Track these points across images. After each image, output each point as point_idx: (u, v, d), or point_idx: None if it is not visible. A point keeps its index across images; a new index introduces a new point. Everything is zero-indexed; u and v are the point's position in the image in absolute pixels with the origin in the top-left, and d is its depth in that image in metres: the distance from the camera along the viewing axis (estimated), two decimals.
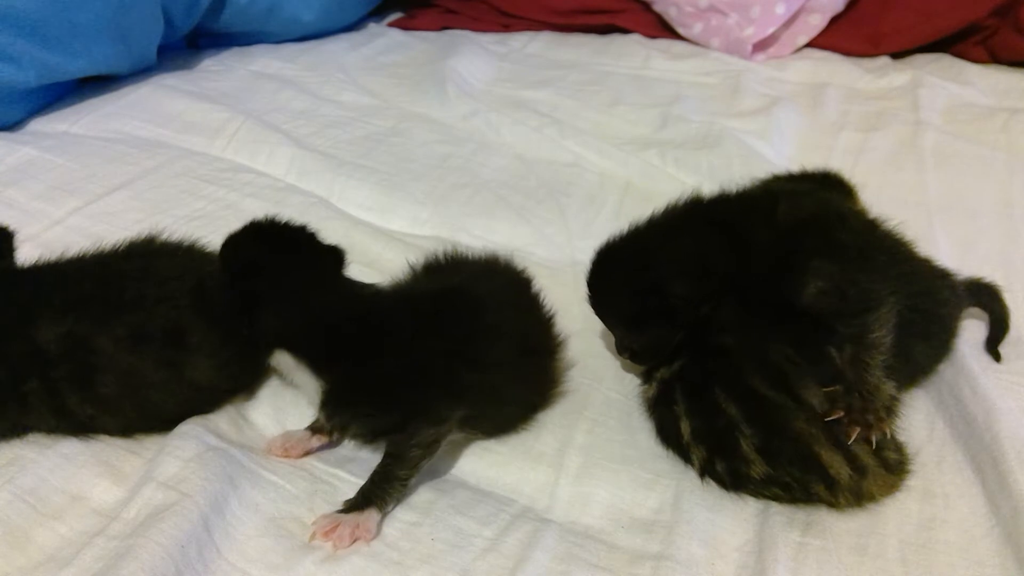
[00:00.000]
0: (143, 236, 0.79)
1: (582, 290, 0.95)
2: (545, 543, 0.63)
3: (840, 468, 0.64)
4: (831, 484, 0.65)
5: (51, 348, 0.68)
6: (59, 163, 1.15)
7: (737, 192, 0.82)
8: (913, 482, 0.69)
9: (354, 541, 0.62)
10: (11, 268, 0.76)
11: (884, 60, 1.64)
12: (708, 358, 0.71)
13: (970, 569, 0.62)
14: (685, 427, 0.69)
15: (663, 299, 0.73)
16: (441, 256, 0.81)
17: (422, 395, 0.66)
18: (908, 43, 1.65)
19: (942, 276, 0.81)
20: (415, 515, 0.65)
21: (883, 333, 0.68)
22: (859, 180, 1.18)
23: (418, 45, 1.76)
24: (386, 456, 0.66)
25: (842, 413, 0.65)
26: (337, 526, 0.62)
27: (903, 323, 0.70)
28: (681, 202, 0.80)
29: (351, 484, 0.68)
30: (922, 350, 0.76)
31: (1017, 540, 0.63)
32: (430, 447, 0.66)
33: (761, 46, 1.65)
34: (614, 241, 0.79)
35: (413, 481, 0.66)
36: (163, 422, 0.72)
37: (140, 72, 1.46)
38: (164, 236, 0.80)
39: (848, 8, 1.68)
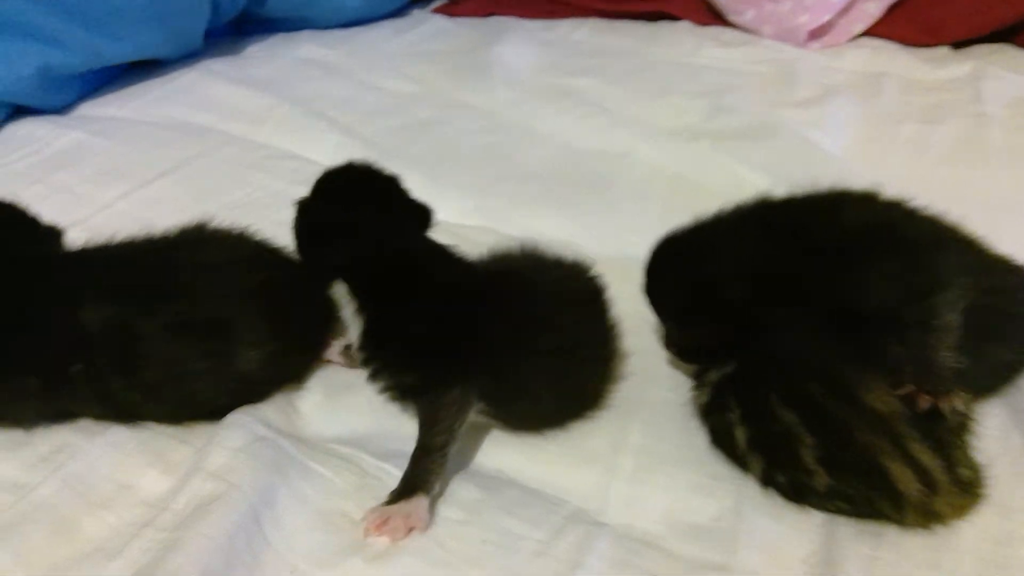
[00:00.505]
0: (193, 223, 0.78)
1: (632, 284, 0.93)
2: (599, 548, 0.61)
3: (909, 483, 0.61)
4: (898, 500, 0.61)
5: (96, 332, 0.68)
6: (107, 147, 1.16)
7: (804, 194, 0.79)
8: (992, 496, 0.65)
9: (409, 531, 0.61)
10: (60, 251, 0.75)
11: (943, 50, 1.57)
12: (762, 362, 0.68)
13: None
14: (740, 435, 0.67)
15: (715, 297, 0.72)
16: (523, 248, 0.81)
17: (443, 359, 0.67)
18: (968, 32, 1.58)
19: (1021, 274, 0.77)
20: (463, 513, 0.64)
21: (951, 318, 0.66)
22: (920, 175, 1.15)
23: (462, 32, 1.74)
24: (420, 426, 0.66)
25: (911, 388, 0.63)
26: (388, 519, 0.61)
27: (976, 323, 0.67)
28: (749, 201, 0.78)
29: (398, 478, 0.66)
30: (997, 353, 0.72)
31: None
32: (458, 413, 0.65)
33: (815, 34, 1.60)
34: (676, 233, 0.78)
35: (452, 452, 0.65)
36: (210, 411, 0.71)
37: (186, 57, 1.46)
38: (214, 223, 0.79)
39: None
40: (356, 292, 0.69)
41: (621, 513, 0.65)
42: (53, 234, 0.78)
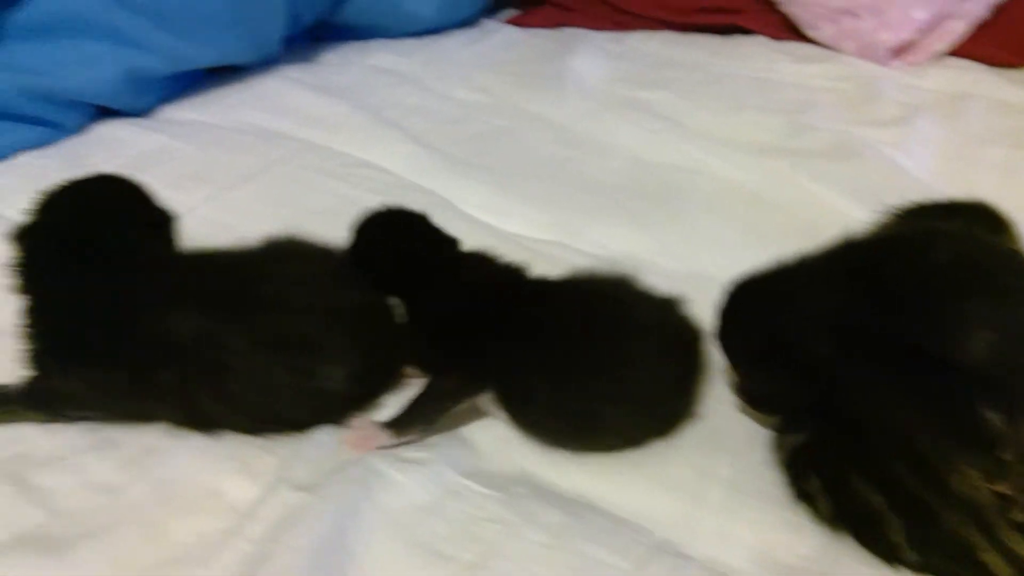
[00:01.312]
0: (282, 236, 0.79)
1: (705, 304, 0.92)
2: None
3: (1003, 569, 0.58)
4: None
5: (186, 342, 0.69)
6: (189, 151, 1.18)
7: (886, 233, 0.76)
8: None
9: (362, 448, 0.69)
10: (157, 254, 0.77)
11: None
12: (842, 431, 0.64)
13: None
14: (823, 506, 0.64)
15: (792, 348, 0.67)
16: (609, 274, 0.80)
17: (447, 350, 0.73)
18: None
19: None
20: (547, 537, 0.63)
21: None
22: (1011, 202, 1.11)
23: (533, 43, 1.74)
24: (421, 392, 0.72)
25: (1009, 490, 0.58)
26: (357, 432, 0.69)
27: None
28: (835, 242, 0.73)
29: (480, 495, 0.66)
30: None
31: None
32: (449, 398, 0.71)
33: (898, 52, 1.56)
34: (755, 276, 0.74)
35: (432, 427, 0.71)
36: (292, 426, 0.72)
37: (264, 64, 1.49)
38: (301, 236, 0.79)
39: (994, 15, 1.57)
40: (403, 302, 0.77)
41: (708, 546, 0.64)
42: (166, 218, 0.79)
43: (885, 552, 0.61)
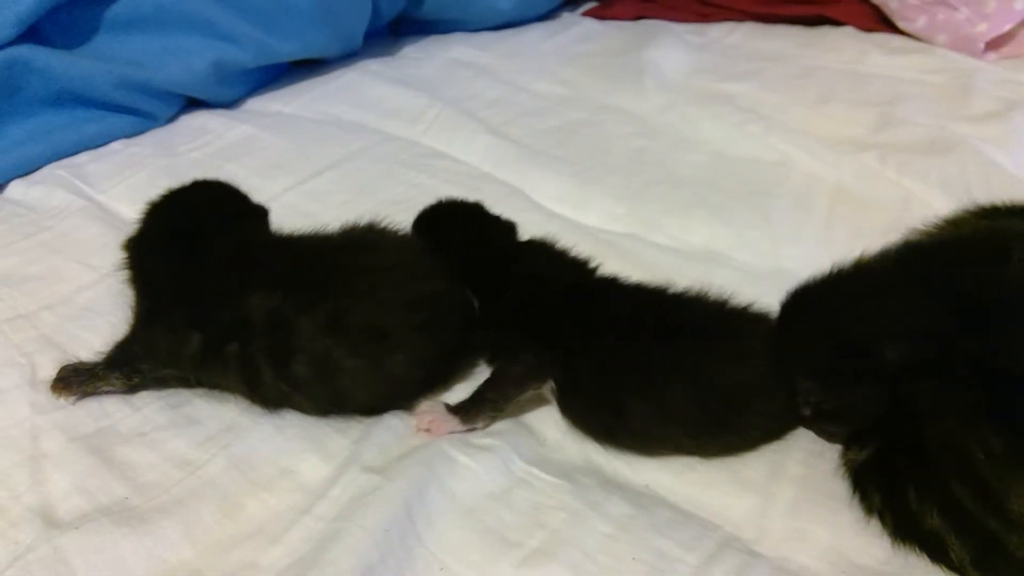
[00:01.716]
0: (363, 224, 0.79)
1: None
2: None
3: None
4: None
5: (256, 319, 0.70)
6: (274, 141, 1.21)
7: (959, 236, 0.72)
8: None
9: (427, 431, 0.70)
10: (249, 239, 0.79)
11: None
12: (903, 448, 0.61)
13: None
14: (886, 523, 0.61)
15: (870, 358, 0.63)
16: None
17: (516, 338, 0.73)
18: None
19: None
20: (612, 528, 0.62)
21: None
22: None
23: (613, 35, 1.72)
24: (488, 379, 0.73)
25: None
26: (426, 414, 0.71)
27: None
28: (895, 247, 0.70)
29: (547, 483, 0.66)
30: None
31: None
32: (515, 384, 0.71)
33: (995, 44, 1.49)
34: (820, 279, 0.69)
35: (502, 412, 0.72)
36: (357, 411, 0.72)
37: (345, 57, 1.52)
38: (381, 224, 0.80)
39: None
40: (472, 291, 0.78)
41: (779, 545, 0.62)
42: (261, 212, 0.85)
43: (951, 569, 0.59)
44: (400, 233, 0.81)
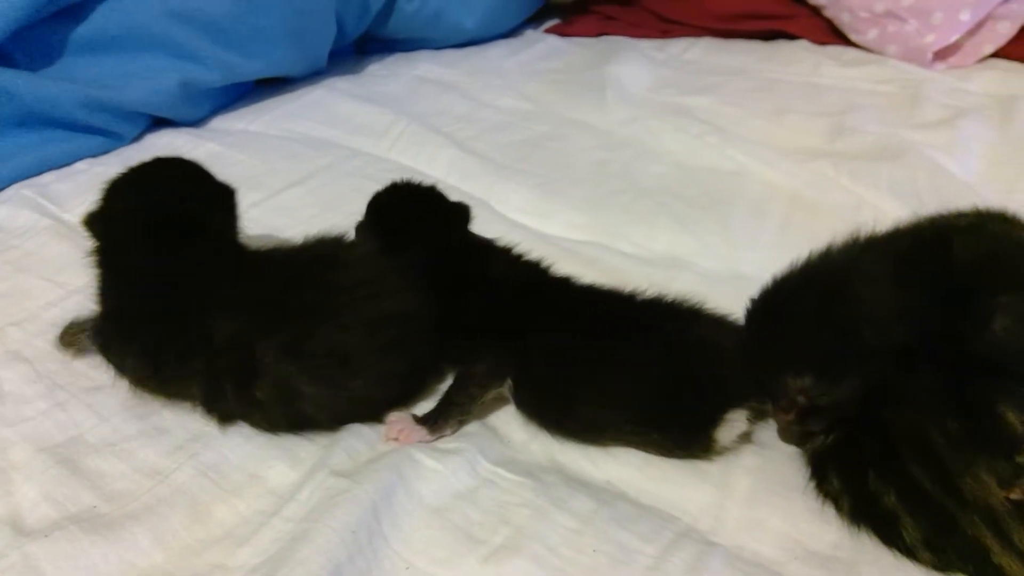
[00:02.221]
0: (330, 238, 0.79)
1: (745, 303, 0.92)
2: (712, 567, 0.60)
3: (1018, 571, 0.57)
4: None
5: (220, 339, 0.70)
6: (240, 158, 1.22)
7: (905, 227, 0.73)
8: None
9: (394, 439, 0.71)
10: (219, 237, 0.79)
11: None
12: (865, 432, 0.63)
13: None
14: (843, 506, 0.64)
15: (861, 344, 0.63)
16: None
17: (475, 341, 0.75)
18: None
19: None
20: (575, 522, 0.64)
21: None
22: None
23: (575, 51, 1.76)
24: (452, 384, 0.75)
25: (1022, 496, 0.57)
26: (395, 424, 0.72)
27: None
28: (854, 237, 0.71)
29: (512, 482, 0.68)
30: None
31: None
32: (478, 386, 0.73)
33: (942, 54, 1.55)
34: (784, 279, 0.69)
35: (468, 415, 0.74)
36: (319, 429, 0.73)
37: (312, 75, 1.53)
38: (349, 239, 0.81)
39: None
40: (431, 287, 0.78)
41: (735, 534, 0.64)
42: (227, 192, 0.83)
43: (902, 551, 0.61)
44: (368, 248, 0.81)
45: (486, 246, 0.85)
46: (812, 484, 0.66)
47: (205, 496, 0.67)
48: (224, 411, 0.72)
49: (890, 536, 0.61)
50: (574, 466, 0.71)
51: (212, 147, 1.24)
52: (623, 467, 0.70)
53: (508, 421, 0.75)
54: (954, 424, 0.59)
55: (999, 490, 0.57)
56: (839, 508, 0.64)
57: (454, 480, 0.67)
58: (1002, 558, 0.57)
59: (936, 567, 0.60)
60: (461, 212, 0.86)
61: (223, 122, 1.38)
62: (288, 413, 0.71)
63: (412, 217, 0.84)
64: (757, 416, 0.72)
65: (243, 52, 1.37)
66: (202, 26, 1.32)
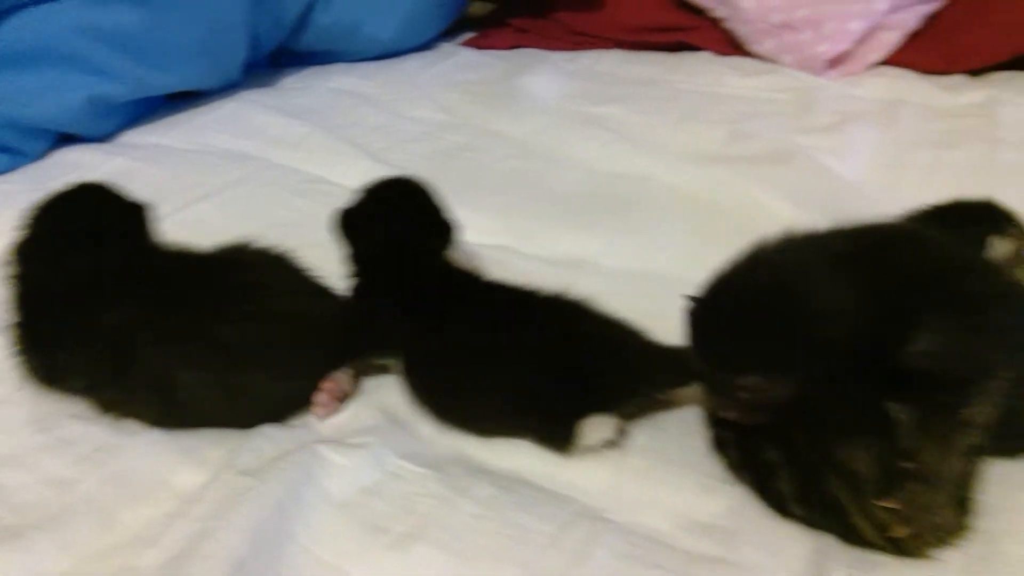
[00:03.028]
0: (237, 242, 0.81)
1: (650, 300, 0.96)
2: (606, 542, 0.64)
3: (874, 538, 0.62)
4: (868, 545, 0.63)
5: (105, 329, 0.72)
6: (150, 172, 1.22)
7: (852, 228, 0.73)
8: (980, 498, 0.67)
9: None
10: (112, 257, 0.79)
11: (961, 78, 1.59)
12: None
13: None
14: (732, 456, 0.69)
15: (814, 338, 0.63)
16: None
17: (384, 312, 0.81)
18: (986, 60, 1.60)
19: None
20: (478, 508, 0.67)
21: (982, 410, 0.62)
22: (933, 199, 1.17)
23: (491, 63, 1.80)
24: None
25: (897, 505, 0.60)
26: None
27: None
28: (787, 236, 0.70)
29: (418, 474, 0.70)
30: None
31: None
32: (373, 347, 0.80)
33: (834, 63, 1.63)
34: (730, 277, 0.68)
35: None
36: (204, 424, 0.74)
37: (226, 88, 1.54)
38: (256, 244, 0.82)
39: (925, 25, 1.65)
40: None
41: (628, 510, 0.68)
42: (138, 209, 0.85)
43: (776, 503, 0.66)
44: (275, 253, 0.83)
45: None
46: (710, 433, 0.71)
47: (111, 503, 0.67)
48: (105, 399, 0.74)
49: (766, 486, 0.66)
50: (478, 457, 0.74)
51: (121, 162, 1.24)
52: (526, 456, 0.73)
53: (414, 415, 0.78)
54: (842, 405, 0.64)
55: (866, 458, 0.62)
56: (728, 458, 0.69)
57: (361, 475, 0.69)
58: (858, 519, 0.62)
59: (805, 522, 0.65)
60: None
61: (134, 136, 1.37)
62: (164, 402, 0.72)
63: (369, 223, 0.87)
64: (638, 413, 0.76)
65: (154, 66, 1.37)
66: (110, 40, 1.31)
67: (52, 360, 0.75)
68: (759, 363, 0.65)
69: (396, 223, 0.86)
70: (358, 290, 0.83)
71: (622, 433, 0.74)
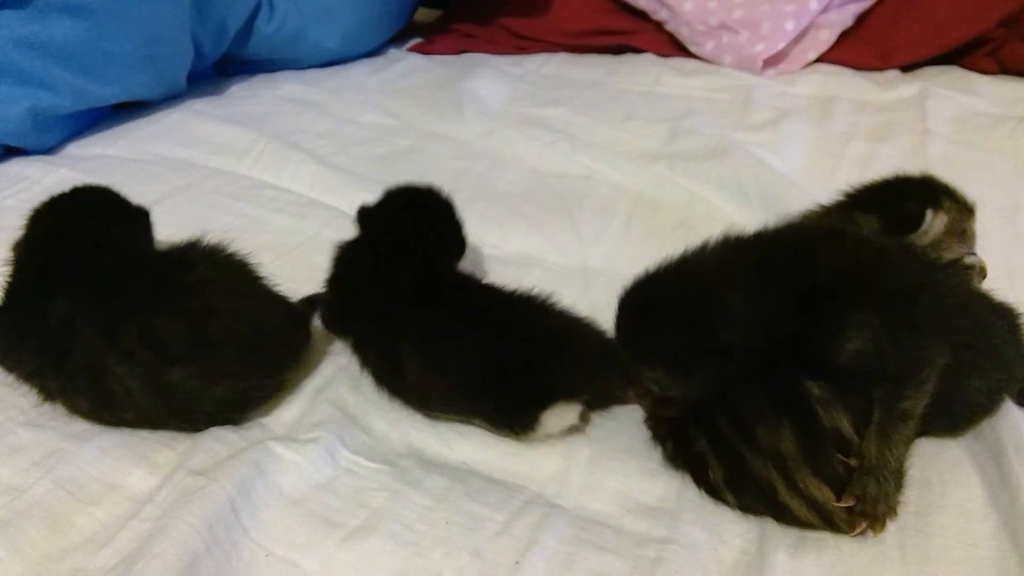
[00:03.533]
0: (189, 244, 0.82)
1: (591, 292, 0.99)
2: (554, 527, 0.66)
3: (805, 514, 0.65)
4: (800, 524, 0.66)
5: (53, 320, 0.73)
6: (95, 183, 1.21)
7: (776, 231, 0.75)
8: (912, 473, 0.70)
9: None
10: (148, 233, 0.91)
11: (893, 73, 1.66)
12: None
13: (966, 551, 0.64)
14: (668, 448, 0.72)
15: (718, 342, 0.66)
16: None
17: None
18: (917, 56, 1.67)
19: (999, 313, 0.75)
20: (430, 500, 0.68)
21: (917, 401, 0.66)
22: None
23: (436, 68, 1.82)
24: None
25: (853, 502, 0.64)
26: None
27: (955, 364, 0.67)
28: (723, 238, 0.73)
29: (370, 469, 0.72)
30: (977, 387, 0.71)
31: (1014, 525, 0.64)
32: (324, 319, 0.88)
33: (772, 62, 1.69)
34: (656, 275, 0.71)
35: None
36: (140, 420, 0.75)
37: (171, 98, 1.53)
38: (208, 245, 0.82)
39: (857, 23, 1.71)
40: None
41: (576, 496, 0.70)
42: (142, 214, 0.92)
43: (711, 491, 0.69)
44: (224, 253, 0.83)
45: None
46: (649, 430, 0.74)
47: (63, 507, 0.67)
48: (47, 387, 0.75)
49: (700, 476, 0.69)
50: (430, 450, 0.75)
51: (64, 172, 1.23)
52: (477, 448, 0.75)
53: (368, 412, 0.79)
54: (759, 390, 0.66)
55: (789, 437, 0.65)
56: (665, 451, 0.72)
57: (314, 471, 0.70)
58: (787, 497, 0.65)
59: (738, 507, 0.68)
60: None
61: (78, 148, 1.36)
62: (98, 393, 0.73)
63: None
64: (595, 406, 0.78)
65: (96, 78, 1.36)
66: (51, 53, 1.30)
67: (9, 344, 0.77)
68: (662, 359, 0.70)
69: (407, 227, 0.90)
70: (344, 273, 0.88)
71: (584, 420, 0.76)
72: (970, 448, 0.73)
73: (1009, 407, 0.74)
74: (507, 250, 1.10)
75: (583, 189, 1.25)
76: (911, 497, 0.68)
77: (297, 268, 1.03)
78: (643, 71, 1.73)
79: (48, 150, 1.34)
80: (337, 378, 0.83)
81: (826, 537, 0.65)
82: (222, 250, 0.83)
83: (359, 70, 1.80)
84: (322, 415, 0.77)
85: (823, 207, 0.92)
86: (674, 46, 1.81)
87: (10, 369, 0.78)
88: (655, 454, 0.73)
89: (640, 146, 1.37)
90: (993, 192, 1.20)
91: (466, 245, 0.94)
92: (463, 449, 0.75)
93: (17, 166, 1.26)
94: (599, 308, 0.96)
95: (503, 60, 1.85)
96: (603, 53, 1.87)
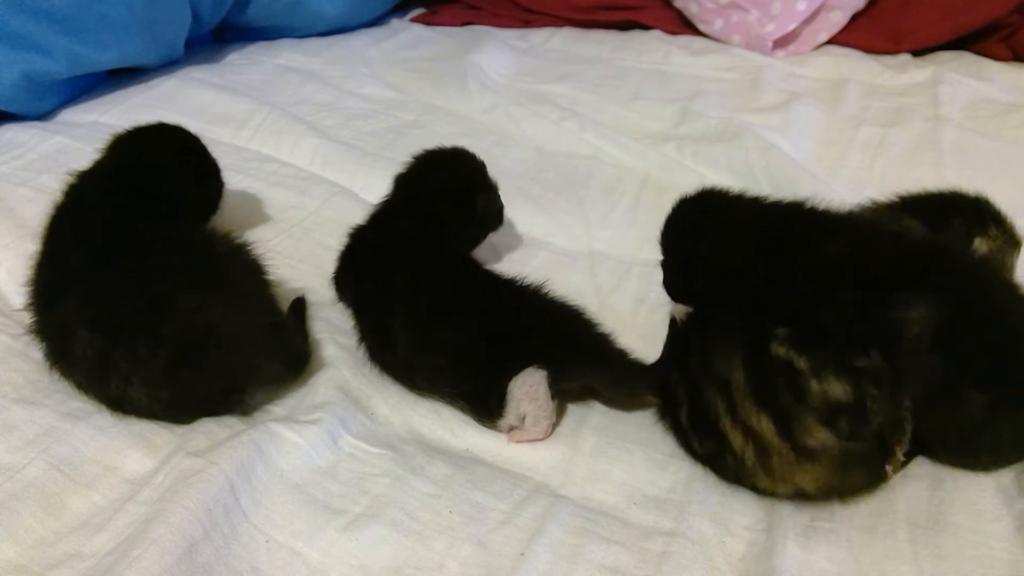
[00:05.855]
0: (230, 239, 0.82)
1: (598, 277, 0.97)
2: (559, 517, 0.65)
3: (742, 445, 0.65)
4: (739, 461, 0.65)
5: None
6: (89, 151, 1.17)
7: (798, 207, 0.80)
8: (925, 469, 0.70)
9: None
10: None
11: (905, 57, 1.64)
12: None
13: (978, 548, 0.63)
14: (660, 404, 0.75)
15: (702, 261, 0.78)
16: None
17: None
18: (929, 40, 1.65)
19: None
20: (433, 487, 0.67)
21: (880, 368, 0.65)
22: (875, 175, 1.20)
23: (440, 40, 1.79)
24: None
25: (902, 448, 0.66)
26: None
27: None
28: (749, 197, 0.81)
29: (372, 454, 0.71)
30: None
31: None
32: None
33: (782, 42, 1.66)
34: (691, 201, 0.82)
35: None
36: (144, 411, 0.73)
37: (168, 65, 1.50)
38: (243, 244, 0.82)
39: (869, 5, 1.68)
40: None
41: (581, 486, 0.69)
42: (215, 170, 0.99)
43: (684, 442, 0.71)
44: (251, 259, 0.81)
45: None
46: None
47: (57, 489, 0.66)
48: (56, 365, 0.75)
49: (677, 425, 0.71)
50: (433, 436, 0.74)
51: (60, 140, 1.20)
52: (482, 435, 0.74)
53: (371, 395, 0.77)
54: (728, 324, 0.68)
55: (739, 367, 0.65)
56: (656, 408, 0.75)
57: (315, 455, 0.69)
58: (729, 430, 0.65)
59: (702, 459, 0.69)
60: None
61: (73, 114, 1.33)
62: (104, 388, 0.72)
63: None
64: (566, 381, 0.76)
65: (91, 42, 1.32)
66: (46, 16, 1.26)
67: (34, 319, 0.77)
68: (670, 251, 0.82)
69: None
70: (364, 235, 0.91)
71: (553, 392, 0.73)
72: None
73: None
74: (512, 232, 1.08)
75: (589, 169, 1.23)
76: (924, 494, 0.67)
77: (299, 245, 1.02)
78: (651, 48, 1.70)
79: (42, 116, 1.31)
80: (339, 359, 0.81)
81: (837, 529, 0.64)
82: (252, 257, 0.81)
83: (361, 40, 1.76)
84: (324, 396, 0.76)
85: (875, 204, 0.92)
86: (683, 24, 1.78)
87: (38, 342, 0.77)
88: (662, 444, 0.72)
89: (648, 126, 1.35)
90: (1004, 180, 1.18)
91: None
92: (466, 436, 0.74)
93: (10, 132, 1.23)
94: (605, 293, 0.95)
95: (507, 33, 1.82)
96: (610, 29, 1.84)
